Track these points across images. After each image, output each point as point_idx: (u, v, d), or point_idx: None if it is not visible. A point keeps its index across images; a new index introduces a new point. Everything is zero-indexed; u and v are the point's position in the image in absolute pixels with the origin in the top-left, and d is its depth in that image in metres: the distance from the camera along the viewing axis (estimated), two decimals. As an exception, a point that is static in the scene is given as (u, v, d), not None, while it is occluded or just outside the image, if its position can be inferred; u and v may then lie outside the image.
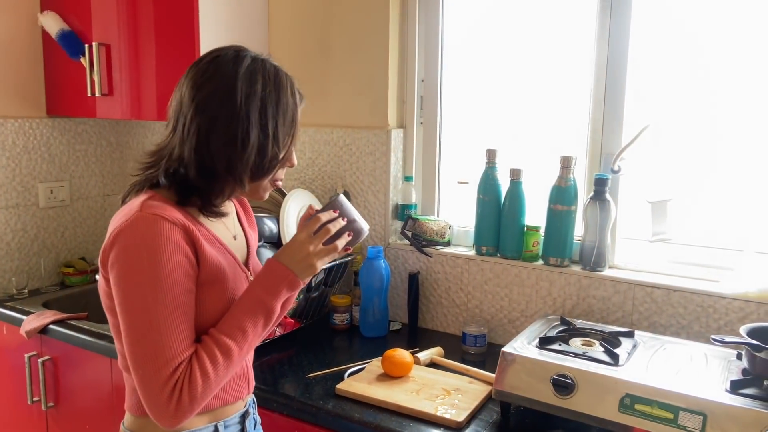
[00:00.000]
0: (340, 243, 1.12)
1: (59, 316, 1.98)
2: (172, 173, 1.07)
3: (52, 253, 2.39)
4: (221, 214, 1.12)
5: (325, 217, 1.12)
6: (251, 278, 1.20)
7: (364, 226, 1.19)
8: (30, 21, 2.23)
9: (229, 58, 1.06)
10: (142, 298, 0.98)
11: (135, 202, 1.05)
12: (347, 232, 1.14)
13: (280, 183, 1.16)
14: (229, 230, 1.19)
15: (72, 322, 1.95)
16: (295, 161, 1.16)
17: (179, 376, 0.99)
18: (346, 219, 1.14)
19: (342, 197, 1.17)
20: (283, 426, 1.47)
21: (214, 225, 1.14)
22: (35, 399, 2.01)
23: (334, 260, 1.23)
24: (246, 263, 1.23)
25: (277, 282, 1.08)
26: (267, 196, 1.17)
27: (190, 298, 1.03)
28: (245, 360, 1.23)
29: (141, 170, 1.12)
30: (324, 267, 1.16)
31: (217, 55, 1.08)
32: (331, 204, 1.15)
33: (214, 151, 1.04)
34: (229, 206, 1.20)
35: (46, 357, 1.98)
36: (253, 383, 1.28)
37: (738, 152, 1.63)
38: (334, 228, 1.11)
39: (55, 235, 2.39)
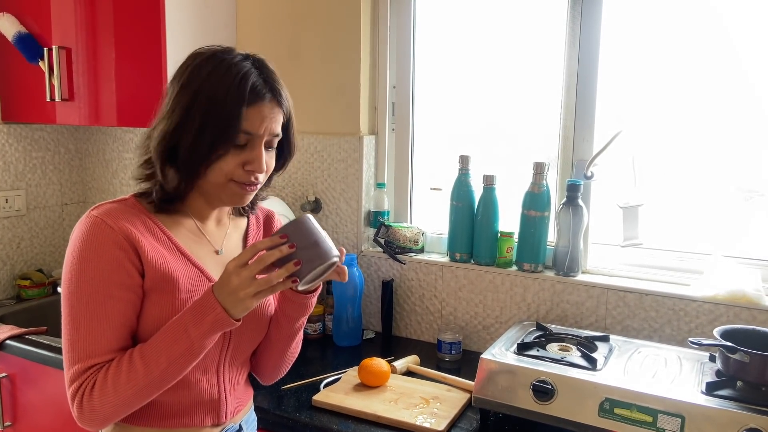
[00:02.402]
0: (278, 275, 0.96)
1: (16, 330, 1.89)
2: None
3: (7, 265, 2.28)
4: (170, 209, 1.09)
5: (262, 243, 0.97)
6: None
7: (329, 252, 1.00)
8: (-16, 23, 2.13)
9: (204, 55, 1.05)
10: (68, 294, 1.00)
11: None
12: (294, 261, 0.96)
13: (252, 187, 1.06)
14: (211, 244, 1.14)
15: (30, 337, 1.86)
16: (260, 168, 1.04)
17: (87, 378, 0.99)
18: (295, 245, 0.97)
19: (304, 218, 1.01)
20: (258, 440, 1.43)
21: (186, 236, 1.10)
22: (-10, 419, 1.92)
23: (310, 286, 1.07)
24: None
25: (203, 313, 0.97)
26: (242, 199, 1.07)
27: (118, 306, 1.00)
28: (221, 389, 1.14)
29: None
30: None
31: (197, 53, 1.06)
32: (285, 227, 0.99)
33: (155, 135, 1.04)
34: (212, 217, 1.15)
35: (3, 374, 1.89)
36: (232, 414, 1.18)
37: (707, 158, 1.67)
38: (270, 257, 0.96)
39: (11, 246, 2.29)
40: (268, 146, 1.07)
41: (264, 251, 0.97)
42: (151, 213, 1.08)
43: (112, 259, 0.99)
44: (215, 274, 1.11)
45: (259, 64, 1.06)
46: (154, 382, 0.99)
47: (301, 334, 1.23)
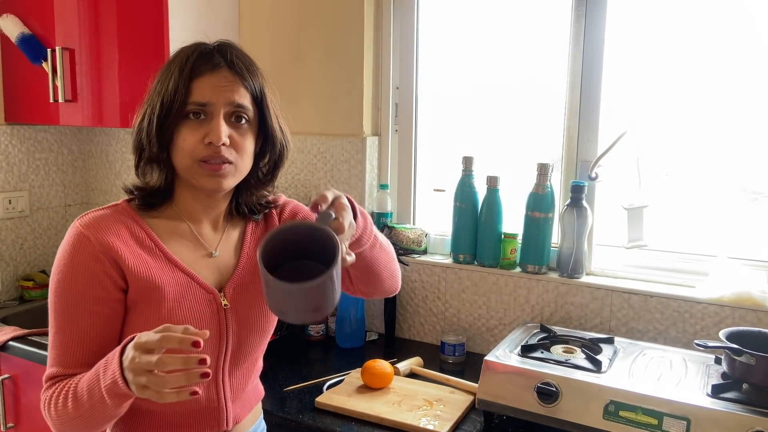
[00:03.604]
0: (174, 382, 0.81)
1: (19, 332, 1.89)
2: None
3: (10, 266, 2.28)
4: (158, 207, 1.06)
5: (172, 340, 0.80)
6: (225, 303, 1.07)
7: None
8: (-13, 24, 2.14)
9: None
10: (50, 304, 1.01)
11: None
12: (200, 360, 0.80)
13: (219, 165, 0.99)
14: (204, 247, 1.09)
15: (33, 338, 1.86)
16: (217, 137, 0.98)
17: (48, 386, 0.99)
18: (203, 357, 0.80)
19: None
20: (260, 442, 1.42)
21: (179, 242, 1.06)
22: (-7, 420, 1.92)
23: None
24: (225, 284, 1.10)
25: (109, 361, 0.89)
26: (213, 181, 1.01)
27: (90, 320, 0.98)
28: (221, 396, 1.09)
29: None
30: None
31: None
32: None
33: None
34: (206, 214, 1.09)
35: (6, 375, 1.88)
36: (235, 421, 1.13)
37: (712, 159, 1.66)
38: (171, 363, 0.81)
39: (14, 248, 2.29)
40: (235, 121, 1.01)
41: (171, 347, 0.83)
42: (142, 219, 1.05)
43: (86, 272, 0.97)
44: (209, 279, 1.08)
45: (221, 44, 1.04)
46: (83, 417, 0.93)
47: (382, 248, 1.14)
